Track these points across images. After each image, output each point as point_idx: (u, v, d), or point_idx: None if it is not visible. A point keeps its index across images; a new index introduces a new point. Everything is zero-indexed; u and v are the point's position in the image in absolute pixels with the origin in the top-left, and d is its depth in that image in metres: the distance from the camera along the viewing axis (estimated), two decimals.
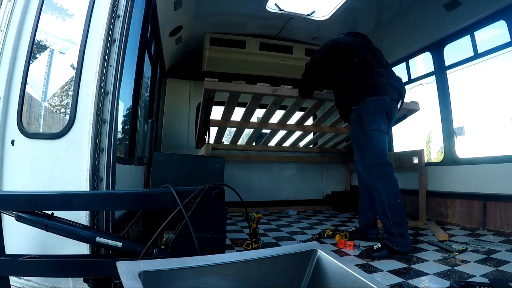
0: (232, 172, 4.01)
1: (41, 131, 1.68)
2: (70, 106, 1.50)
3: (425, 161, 3.34)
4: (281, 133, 3.77)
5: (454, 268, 1.73)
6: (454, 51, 3.34)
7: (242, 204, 1.41)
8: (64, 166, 1.45)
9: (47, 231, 1.16)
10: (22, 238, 1.39)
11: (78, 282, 1.33)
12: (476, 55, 2.98)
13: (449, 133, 3.21)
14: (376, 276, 1.64)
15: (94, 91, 1.47)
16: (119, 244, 1.19)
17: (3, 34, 1.60)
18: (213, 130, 3.62)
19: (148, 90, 3.51)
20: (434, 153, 10.53)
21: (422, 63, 4.87)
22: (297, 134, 3.85)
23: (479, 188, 2.82)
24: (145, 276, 0.71)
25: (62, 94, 1.74)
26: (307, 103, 3.05)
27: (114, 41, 1.52)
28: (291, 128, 3.53)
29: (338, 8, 3.43)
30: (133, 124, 2.69)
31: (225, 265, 0.84)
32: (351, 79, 2.21)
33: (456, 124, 3.23)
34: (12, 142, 1.52)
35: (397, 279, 1.59)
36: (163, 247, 1.26)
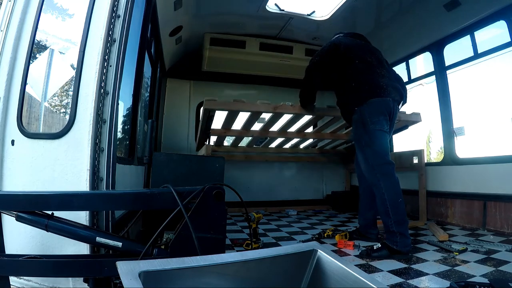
0: (232, 172, 4.01)
1: (41, 131, 1.69)
2: (70, 106, 1.50)
3: (425, 161, 3.34)
4: (282, 137, 3.78)
5: (454, 268, 1.73)
6: (454, 51, 3.34)
7: (242, 204, 1.41)
8: (64, 166, 1.45)
9: (47, 231, 1.16)
10: (22, 238, 1.39)
11: (78, 282, 1.33)
12: (476, 55, 2.98)
13: (449, 133, 3.21)
14: (376, 276, 1.64)
15: (94, 91, 1.46)
16: (119, 244, 1.19)
17: (3, 34, 1.60)
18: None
19: (148, 90, 3.51)
20: (434, 153, 10.52)
21: (422, 63, 4.88)
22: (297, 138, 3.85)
23: (479, 188, 2.82)
24: (145, 276, 0.71)
25: (62, 94, 1.74)
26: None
27: (114, 41, 1.52)
28: (291, 136, 3.55)
29: (338, 8, 3.43)
30: (133, 124, 2.69)
31: (225, 265, 0.84)
32: (353, 80, 2.21)
33: (456, 124, 3.23)
34: (12, 142, 1.52)
35: (397, 279, 1.59)
36: (163, 247, 1.26)
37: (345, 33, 2.56)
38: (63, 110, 1.76)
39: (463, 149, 3.27)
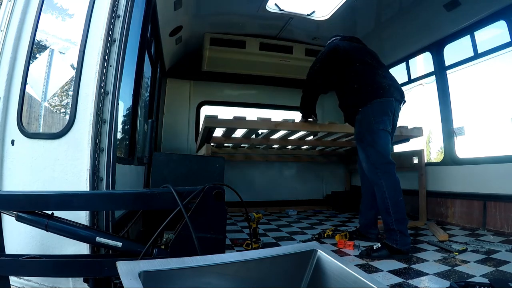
0: (232, 172, 4.01)
1: (41, 131, 1.68)
2: (70, 106, 1.50)
3: (425, 161, 3.34)
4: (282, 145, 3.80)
5: (454, 268, 1.73)
6: (454, 51, 3.34)
7: (242, 204, 1.41)
8: (64, 166, 1.45)
9: (47, 231, 1.16)
10: (22, 238, 1.39)
11: (78, 282, 1.33)
12: (476, 55, 2.98)
13: (449, 133, 3.21)
14: (376, 276, 1.64)
15: (94, 91, 1.46)
16: (119, 244, 1.19)
17: (3, 34, 1.60)
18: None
19: (148, 90, 3.51)
20: (434, 153, 10.52)
21: (422, 63, 4.88)
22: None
23: (479, 188, 2.82)
24: (145, 276, 0.71)
25: (62, 94, 1.74)
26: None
27: (114, 41, 1.52)
28: (292, 144, 3.58)
29: (338, 8, 3.43)
30: (133, 124, 2.69)
31: (225, 265, 0.84)
32: (355, 82, 2.24)
33: (456, 124, 3.22)
34: (12, 142, 1.52)
35: (397, 279, 1.59)
36: (163, 247, 1.26)
37: (341, 36, 2.59)
38: (63, 110, 1.75)
39: (463, 149, 3.26)
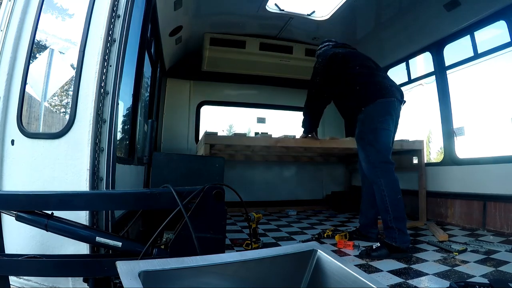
0: (232, 172, 4.01)
1: (41, 131, 1.69)
2: (70, 106, 1.50)
3: (425, 162, 3.34)
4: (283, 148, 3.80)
5: (454, 268, 1.73)
6: (454, 51, 3.34)
7: (242, 204, 1.41)
8: (64, 166, 1.45)
9: (47, 230, 1.16)
10: (22, 238, 1.39)
11: (78, 282, 1.33)
12: (476, 55, 2.98)
13: (449, 133, 3.21)
14: (376, 276, 1.64)
15: (94, 91, 1.47)
16: (119, 244, 1.19)
17: (3, 34, 1.60)
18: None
19: (148, 90, 3.51)
20: (434, 153, 10.53)
21: (422, 63, 4.87)
22: None
23: (479, 189, 2.82)
24: (144, 276, 0.71)
25: (62, 94, 1.74)
26: None
27: (114, 41, 1.52)
28: (293, 145, 3.57)
29: (338, 8, 3.43)
30: (133, 124, 2.68)
31: (225, 265, 0.84)
32: (357, 84, 2.26)
33: (456, 124, 3.22)
34: (12, 142, 1.52)
35: (397, 279, 1.59)
36: (162, 247, 1.26)
37: (333, 42, 2.63)
38: (63, 110, 1.75)
39: (463, 149, 3.26)
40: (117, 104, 1.51)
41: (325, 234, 2.50)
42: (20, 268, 1.14)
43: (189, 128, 4.51)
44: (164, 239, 1.36)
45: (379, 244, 2.03)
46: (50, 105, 1.75)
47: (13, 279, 1.33)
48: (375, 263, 1.87)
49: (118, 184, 1.54)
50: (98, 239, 1.19)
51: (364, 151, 2.23)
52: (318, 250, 0.96)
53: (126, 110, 2.74)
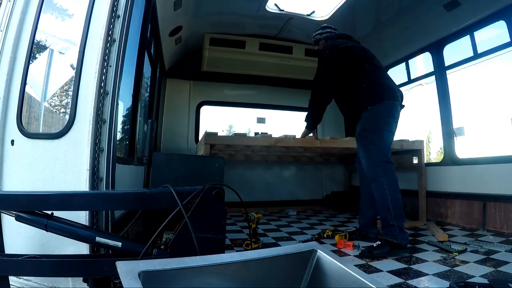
0: (232, 172, 4.02)
1: (40, 131, 1.68)
2: (69, 106, 1.50)
3: (425, 162, 3.34)
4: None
5: (454, 268, 1.73)
6: (454, 51, 3.34)
7: (242, 204, 1.41)
8: (63, 166, 1.45)
9: (47, 231, 1.16)
10: (22, 238, 1.39)
11: (77, 282, 1.33)
12: (476, 55, 2.98)
13: (449, 133, 3.21)
14: (376, 276, 1.64)
15: (94, 91, 1.47)
16: (119, 244, 1.19)
17: (3, 34, 1.60)
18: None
19: (148, 90, 3.51)
20: (434, 153, 10.53)
21: (422, 63, 4.88)
22: None
23: (478, 189, 2.82)
24: (144, 276, 0.71)
25: (62, 94, 1.74)
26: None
27: (114, 41, 1.52)
28: (293, 151, 3.57)
29: (338, 8, 3.43)
30: (133, 124, 2.68)
31: (225, 265, 0.84)
32: (365, 82, 2.27)
33: (456, 124, 3.23)
34: (12, 142, 1.52)
35: (397, 279, 1.59)
36: (162, 247, 1.26)
37: (336, 33, 2.59)
38: (62, 110, 1.75)
39: (463, 149, 3.27)
40: (117, 104, 1.51)
41: (325, 234, 2.50)
42: (20, 268, 1.14)
43: (189, 128, 4.51)
44: (164, 239, 1.36)
45: (379, 243, 2.04)
46: (50, 105, 1.75)
47: (13, 279, 1.33)
48: (375, 263, 1.87)
49: (118, 184, 1.54)
50: (98, 239, 1.19)
51: (366, 150, 2.23)
52: (318, 250, 0.96)
53: (126, 110, 2.74)
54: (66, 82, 1.65)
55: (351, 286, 0.83)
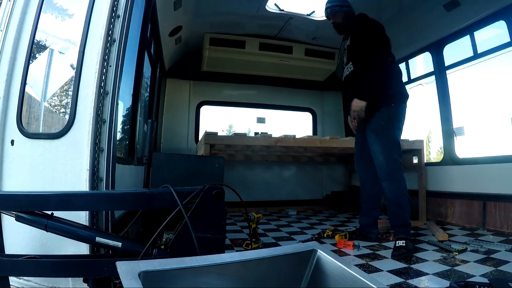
0: (232, 172, 4.02)
1: (40, 131, 1.68)
2: (69, 106, 1.50)
3: (425, 161, 3.34)
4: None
5: (454, 268, 1.73)
6: (454, 51, 3.34)
7: (242, 204, 1.41)
8: (63, 166, 1.45)
9: (47, 231, 1.16)
10: (22, 238, 1.39)
11: (77, 282, 1.33)
12: (476, 55, 2.98)
13: (448, 133, 3.21)
14: (376, 276, 1.64)
15: (93, 91, 1.47)
16: (119, 244, 1.19)
17: (3, 34, 1.59)
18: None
19: (148, 90, 3.51)
20: (434, 153, 10.53)
21: (422, 63, 4.88)
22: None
23: (478, 188, 2.82)
24: (144, 276, 0.71)
25: (62, 94, 1.74)
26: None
27: (114, 41, 1.52)
28: (293, 151, 3.57)
29: None
30: (133, 124, 2.68)
31: (225, 265, 0.84)
32: (396, 76, 2.34)
33: (455, 124, 3.23)
34: (12, 142, 1.52)
35: (397, 279, 1.59)
36: (162, 247, 1.26)
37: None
38: (62, 110, 1.75)
39: (463, 149, 3.27)
40: (117, 104, 1.51)
41: (325, 234, 2.50)
42: (20, 268, 1.14)
43: (189, 128, 4.51)
44: (164, 239, 1.36)
45: (403, 242, 1.99)
46: (50, 105, 1.75)
47: (13, 280, 1.33)
48: (375, 263, 1.87)
49: (118, 184, 1.54)
50: (98, 239, 1.19)
51: (387, 146, 2.20)
52: (318, 250, 0.96)
53: (126, 110, 2.74)
54: (66, 82, 1.65)
55: (351, 286, 0.83)
